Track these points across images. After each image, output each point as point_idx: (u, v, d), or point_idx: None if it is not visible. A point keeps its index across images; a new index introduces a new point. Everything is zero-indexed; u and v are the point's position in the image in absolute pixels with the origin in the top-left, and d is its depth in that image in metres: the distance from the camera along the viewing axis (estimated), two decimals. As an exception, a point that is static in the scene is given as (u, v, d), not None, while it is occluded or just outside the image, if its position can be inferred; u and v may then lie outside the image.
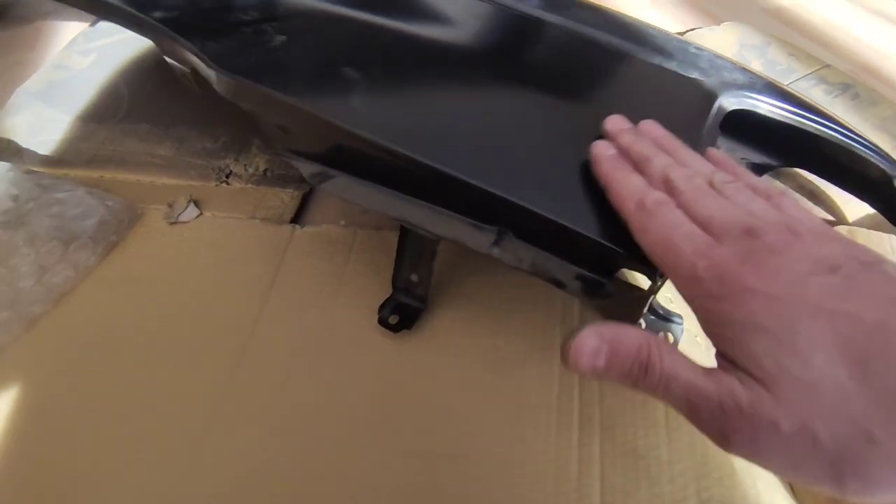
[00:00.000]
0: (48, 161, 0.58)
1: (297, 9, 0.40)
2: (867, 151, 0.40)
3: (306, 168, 0.36)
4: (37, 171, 0.53)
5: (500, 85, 0.37)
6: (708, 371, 0.21)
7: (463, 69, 0.38)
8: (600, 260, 0.30)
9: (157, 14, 0.38)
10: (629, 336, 0.22)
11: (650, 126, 0.32)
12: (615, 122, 0.32)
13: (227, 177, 0.56)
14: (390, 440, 0.37)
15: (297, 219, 0.52)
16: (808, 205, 0.52)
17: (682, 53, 0.42)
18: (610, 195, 0.28)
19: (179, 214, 0.51)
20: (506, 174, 0.31)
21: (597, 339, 0.22)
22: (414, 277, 0.41)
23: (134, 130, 0.61)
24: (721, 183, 0.26)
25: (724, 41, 0.67)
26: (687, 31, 0.74)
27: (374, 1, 0.41)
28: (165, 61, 0.42)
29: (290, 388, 0.39)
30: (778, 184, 0.53)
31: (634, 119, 0.34)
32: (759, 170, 0.50)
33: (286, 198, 0.54)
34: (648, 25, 0.45)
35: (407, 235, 0.39)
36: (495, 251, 0.31)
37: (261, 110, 0.35)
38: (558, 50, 0.41)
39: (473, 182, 0.30)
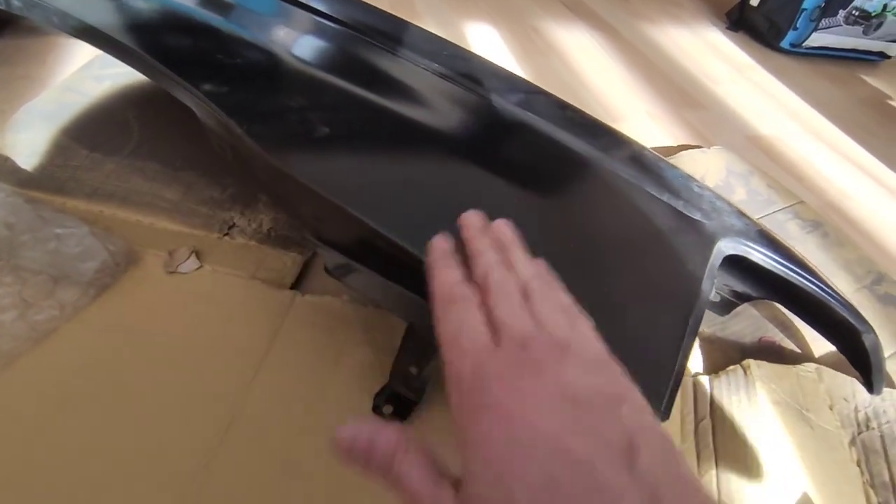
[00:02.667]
0: (45, 186, 0.57)
1: (344, 102, 0.42)
2: (840, 307, 0.44)
3: (332, 258, 0.37)
4: (38, 201, 0.52)
5: (530, 204, 0.40)
6: (439, 479, 0.22)
7: (494, 184, 0.40)
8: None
9: (207, 87, 0.39)
10: (380, 433, 0.23)
11: (500, 225, 0.32)
12: (469, 217, 0.32)
13: (231, 229, 0.56)
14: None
15: (297, 284, 0.53)
16: (779, 336, 0.55)
17: (688, 192, 0.45)
18: (430, 283, 0.28)
19: (179, 265, 0.51)
20: None
21: (353, 430, 0.23)
22: (413, 370, 0.41)
23: (141, 168, 0.61)
24: (532, 290, 0.26)
25: (713, 165, 0.73)
26: (680, 146, 0.80)
27: (418, 103, 0.44)
28: (201, 122, 0.43)
29: (279, 462, 0.39)
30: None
31: (644, 253, 0.36)
32: (741, 297, 0.53)
33: (288, 261, 0.54)
34: (657, 156, 0.49)
35: (414, 329, 0.40)
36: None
37: (295, 199, 0.36)
38: (581, 175, 0.44)
39: None
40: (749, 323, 0.56)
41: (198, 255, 0.52)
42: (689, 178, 0.48)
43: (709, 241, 0.41)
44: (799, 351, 0.54)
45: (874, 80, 1.17)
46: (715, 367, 0.51)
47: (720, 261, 0.41)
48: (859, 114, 1.04)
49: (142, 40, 0.41)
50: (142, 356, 0.44)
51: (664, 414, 0.31)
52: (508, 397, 0.21)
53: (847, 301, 0.44)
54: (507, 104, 0.47)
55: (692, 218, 0.43)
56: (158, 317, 0.47)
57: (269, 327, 0.47)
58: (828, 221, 0.68)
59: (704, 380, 0.49)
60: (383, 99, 0.43)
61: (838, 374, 0.49)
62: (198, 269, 0.51)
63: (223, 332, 0.47)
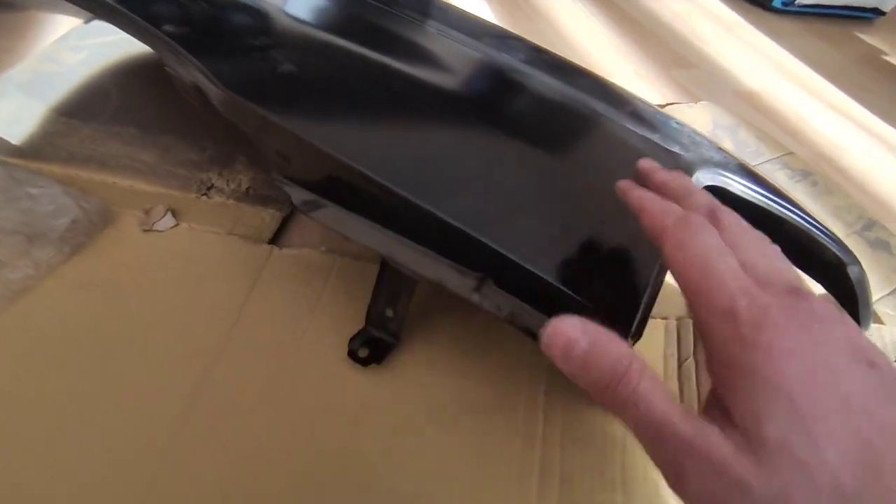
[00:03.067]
0: (22, 153, 0.56)
1: (309, 40, 0.41)
2: (825, 238, 0.43)
3: (298, 195, 0.36)
4: (12, 163, 0.51)
5: (499, 137, 0.39)
6: (686, 408, 0.20)
7: (463, 119, 0.39)
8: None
9: (168, 28, 0.38)
10: (613, 342, 0.21)
11: (679, 174, 0.31)
12: (648, 163, 0.32)
13: (209, 190, 0.56)
14: (352, 475, 0.36)
15: (276, 240, 0.52)
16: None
17: (666, 127, 0.45)
18: (643, 216, 0.26)
19: (155, 222, 0.50)
20: (494, 223, 0.32)
21: (579, 330, 0.21)
22: (389, 312, 0.41)
23: (118, 133, 0.60)
24: (759, 238, 0.25)
25: (699, 118, 0.72)
26: (667, 104, 0.79)
27: (384, 42, 0.43)
28: (166, 70, 0.42)
29: (252, 415, 0.38)
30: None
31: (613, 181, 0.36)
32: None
33: (266, 217, 0.53)
34: (636, 97, 0.48)
35: (386, 270, 0.40)
36: (475, 297, 0.32)
37: (260, 135, 0.36)
38: (556, 112, 0.43)
39: (462, 227, 0.31)
40: (736, 268, 0.55)
41: (174, 213, 0.52)
42: (669, 116, 0.47)
43: (687, 172, 0.40)
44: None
45: (869, 38, 1.15)
46: (700, 311, 0.50)
47: (699, 187, 0.40)
48: (854, 71, 1.03)
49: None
50: (117, 312, 0.44)
51: (632, 339, 0.31)
52: (808, 344, 0.18)
53: (831, 232, 0.43)
54: (474, 43, 0.46)
55: (669, 150, 0.42)
56: (134, 274, 0.47)
57: (246, 281, 0.47)
58: (818, 171, 0.67)
59: (689, 321, 0.48)
60: (347, 39, 0.42)
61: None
62: (174, 226, 0.51)
63: (200, 287, 0.46)
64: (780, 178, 0.66)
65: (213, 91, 0.36)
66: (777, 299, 0.20)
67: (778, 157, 0.68)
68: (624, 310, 0.31)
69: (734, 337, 0.19)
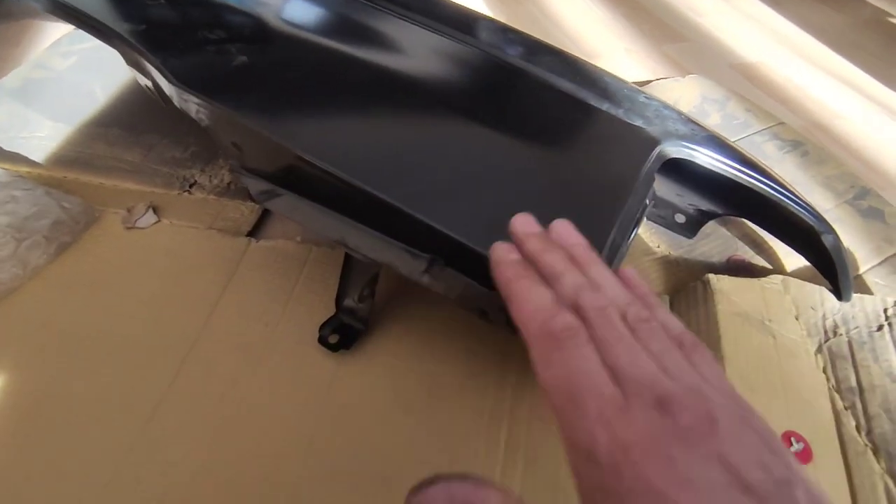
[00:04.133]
0: (12, 158, 0.58)
1: (262, 32, 0.41)
2: (796, 206, 0.42)
3: (254, 185, 0.37)
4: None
5: (445, 118, 0.39)
6: None
7: (411, 101, 0.39)
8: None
9: (125, 26, 0.39)
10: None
11: (563, 230, 0.27)
12: (523, 224, 0.27)
13: (191, 186, 0.57)
14: (323, 457, 0.37)
15: (254, 232, 0.53)
16: (751, 253, 0.54)
17: (631, 101, 0.44)
18: (511, 308, 0.23)
19: (137, 220, 0.51)
20: (439, 203, 0.32)
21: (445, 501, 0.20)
22: (356, 299, 0.41)
23: (104, 134, 0.62)
24: (636, 320, 0.22)
25: (687, 92, 0.71)
26: (655, 79, 0.77)
27: (334, 29, 0.43)
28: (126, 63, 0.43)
29: (227, 400, 0.40)
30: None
31: (572, 161, 0.35)
32: (706, 216, 0.52)
33: (246, 210, 0.54)
34: (605, 73, 0.47)
35: (351, 258, 0.40)
36: (426, 278, 0.32)
37: (215, 127, 0.36)
38: (509, 88, 0.43)
39: (408, 209, 0.31)
40: (719, 243, 0.55)
41: (156, 210, 0.53)
42: (637, 90, 0.46)
43: (648, 145, 0.40)
44: (770, 267, 0.53)
45: (875, 0, 1.11)
46: (680, 287, 0.50)
47: (660, 163, 0.39)
48: (859, 35, 0.99)
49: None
50: (101, 307, 0.45)
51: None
52: (673, 483, 0.17)
53: (804, 200, 0.42)
54: (431, 24, 0.45)
55: (631, 124, 0.41)
56: (117, 271, 0.48)
57: (223, 273, 0.48)
58: (809, 141, 0.65)
59: (665, 298, 0.48)
60: (299, 28, 0.42)
61: (806, 283, 0.47)
62: (156, 223, 0.52)
63: (180, 281, 0.48)
64: (768, 148, 0.64)
65: (168, 86, 0.36)
66: (641, 421, 0.18)
67: (767, 128, 0.66)
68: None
69: (596, 485, 0.18)
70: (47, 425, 0.38)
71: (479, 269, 0.32)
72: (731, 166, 0.41)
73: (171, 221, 0.52)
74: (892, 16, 1.05)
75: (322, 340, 0.42)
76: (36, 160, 0.58)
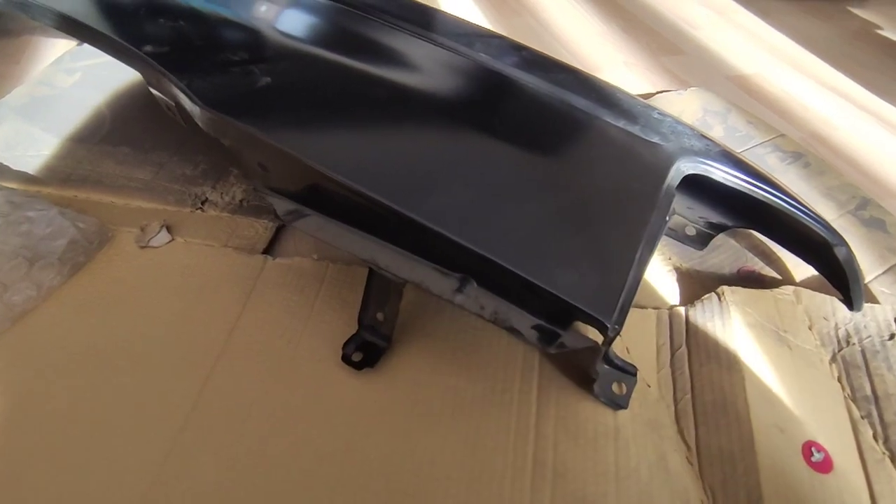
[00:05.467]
0: (21, 177, 0.58)
1: (285, 52, 0.42)
2: (809, 220, 0.43)
3: (281, 205, 0.37)
4: (9, 188, 0.53)
5: (473, 137, 0.40)
6: None
7: (438, 120, 0.40)
8: (556, 312, 0.32)
9: (148, 48, 0.39)
10: None
11: None
12: None
13: (203, 203, 0.57)
14: (349, 476, 0.37)
15: (269, 249, 0.53)
16: (759, 265, 0.55)
17: (646, 118, 0.45)
18: None
19: (151, 239, 0.51)
20: (472, 223, 0.33)
21: None
22: (380, 316, 0.41)
23: (113, 152, 0.61)
24: None
25: (689, 105, 0.72)
26: (657, 92, 0.78)
27: (358, 48, 0.43)
28: (151, 91, 0.43)
29: (250, 420, 0.39)
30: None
31: (595, 177, 0.36)
32: (716, 228, 0.53)
33: (260, 228, 0.54)
34: (618, 89, 0.48)
35: (375, 275, 0.40)
36: (458, 298, 0.33)
37: (241, 147, 0.37)
38: (532, 108, 0.43)
39: (440, 230, 0.32)
40: (729, 255, 0.56)
41: (169, 229, 0.53)
42: (650, 106, 0.47)
43: (667, 161, 0.40)
44: (780, 277, 0.53)
45: (862, 12, 1.14)
46: (693, 299, 0.50)
47: (679, 180, 0.40)
48: (848, 46, 1.02)
49: (82, 9, 0.41)
50: (117, 328, 0.45)
51: (614, 328, 0.31)
52: None
53: (817, 214, 0.43)
54: (452, 44, 0.46)
55: (649, 141, 0.42)
56: (132, 290, 0.48)
57: (241, 292, 0.48)
58: (810, 152, 0.67)
59: (681, 310, 0.48)
60: (324, 49, 0.43)
61: (817, 294, 0.48)
62: (170, 242, 0.52)
63: (197, 299, 0.47)
64: (771, 160, 0.65)
65: (193, 108, 0.36)
66: None
67: (769, 140, 0.68)
68: (603, 301, 0.31)
69: None
70: (67, 446, 0.37)
71: (512, 288, 0.32)
72: (746, 181, 0.42)
73: (186, 240, 0.52)
74: (879, 27, 1.08)
75: (346, 359, 0.42)
76: (45, 179, 0.58)
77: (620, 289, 0.32)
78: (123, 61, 0.41)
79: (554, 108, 0.44)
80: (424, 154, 0.37)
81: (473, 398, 0.41)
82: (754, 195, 0.42)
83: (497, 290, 0.33)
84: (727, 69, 0.90)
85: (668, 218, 0.38)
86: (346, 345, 0.42)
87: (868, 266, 0.55)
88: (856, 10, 1.14)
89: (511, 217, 0.34)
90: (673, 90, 0.78)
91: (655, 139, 0.42)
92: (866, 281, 0.54)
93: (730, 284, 0.52)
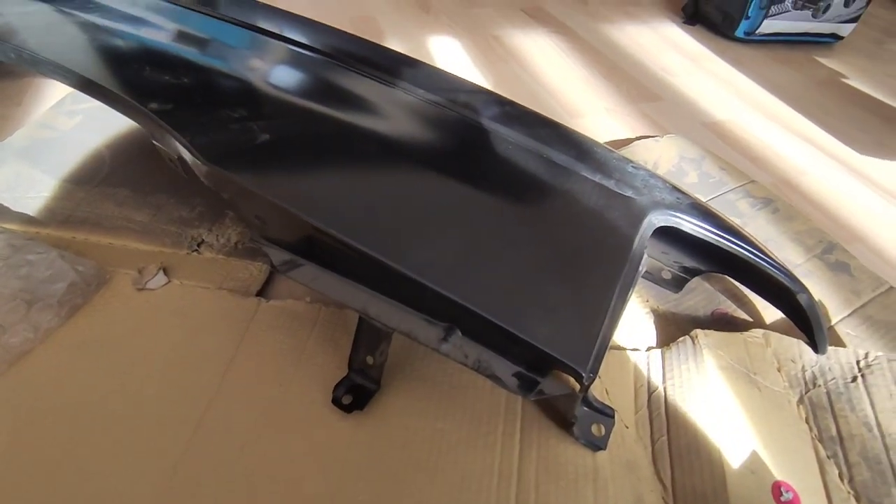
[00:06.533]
0: (21, 218, 0.59)
1: (282, 108, 0.45)
2: (772, 269, 0.46)
3: (277, 256, 0.39)
4: (9, 229, 0.54)
5: (457, 190, 0.42)
6: None
7: (424, 173, 0.43)
8: (535, 360, 0.34)
9: (153, 105, 0.42)
10: None
11: None
12: None
13: (199, 245, 0.59)
14: (335, 520, 0.38)
15: (263, 291, 0.55)
16: (732, 307, 0.57)
17: (621, 172, 0.48)
18: None
19: (148, 281, 0.53)
20: (455, 275, 0.35)
21: None
22: (370, 360, 0.43)
23: (112, 194, 0.63)
24: None
25: (666, 152, 0.76)
26: (636, 138, 0.83)
27: (349, 103, 0.46)
28: (150, 139, 0.45)
29: (243, 461, 0.41)
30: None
31: (571, 230, 0.39)
32: (690, 273, 0.56)
33: (254, 270, 0.56)
34: (596, 144, 0.51)
35: (365, 321, 0.42)
36: (444, 347, 0.35)
37: (239, 200, 0.39)
38: (513, 162, 0.46)
39: (425, 282, 0.34)
40: (703, 297, 0.58)
41: (166, 271, 0.54)
42: (625, 160, 0.50)
43: (639, 215, 0.43)
44: (751, 320, 0.56)
45: (829, 62, 1.21)
46: (669, 340, 0.53)
47: (651, 231, 0.43)
48: (816, 94, 1.07)
49: (91, 67, 0.44)
50: (113, 369, 0.46)
51: (589, 376, 0.33)
52: None
53: (779, 263, 0.46)
54: (439, 99, 0.49)
55: (623, 195, 0.45)
56: (129, 332, 0.49)
57: (235, 334, 0.50)
58: (779, 198, 0.71)
59: (657, 353, 0.51)
60: (319, 104, 0.45)
61: (785, 336, 0.51)
62: (166, 284, 0.53)
63: (191, 341, 0.49)
64: (742, 206, 0.69)
65: (195, 163, 0.39)
66: None
67: (741, 186, 0.72)
68: (579, 350, 0.33)
69: None
70: (63, 487, 0.38)
71: (492, 335, 0.34)
72: (712, 233, 0.45)
73: (182, 282, 0.54)
74: (845, 77, 1.15)
75: (336, 402, 0.43)
76: (44, 220, 0.59)
77: (595, 339, 0.34)
78: (128, 116, 0.43)
79: (534, 162, 0.47)
80: (411, 207, 0.40)
81: (459, 441, 0.43)
82: (720, 245, 0.45)
83: (480, 338, 0.35)
84: (702, 115, 0.95)
85: (641, 269, 0.41)
86: (336, 388, 0.44)
87: (834, 309, 0.58)
88: (822, 60, 1.21)
89: (492, 268, 0.36)
90: (651, 136, 0.82)
91: (629, 193, 0.45)
92: (832, 323, 0.57)
93: (704, 326, 0.54)
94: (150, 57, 0.49)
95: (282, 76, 0.50)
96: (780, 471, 0.42)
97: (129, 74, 0.44)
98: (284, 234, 0.39)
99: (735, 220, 0.51)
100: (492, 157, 0.46)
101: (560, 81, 1.01)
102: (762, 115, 0.98)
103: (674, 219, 0.45)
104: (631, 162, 0.51)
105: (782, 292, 0.47)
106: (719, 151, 0.83)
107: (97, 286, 0.52)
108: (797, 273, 0.56)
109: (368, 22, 1.13)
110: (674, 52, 1.19)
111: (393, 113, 0.49)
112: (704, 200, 0.68)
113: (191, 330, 0.50)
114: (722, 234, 0.45)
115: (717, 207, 0.68)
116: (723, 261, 0.49)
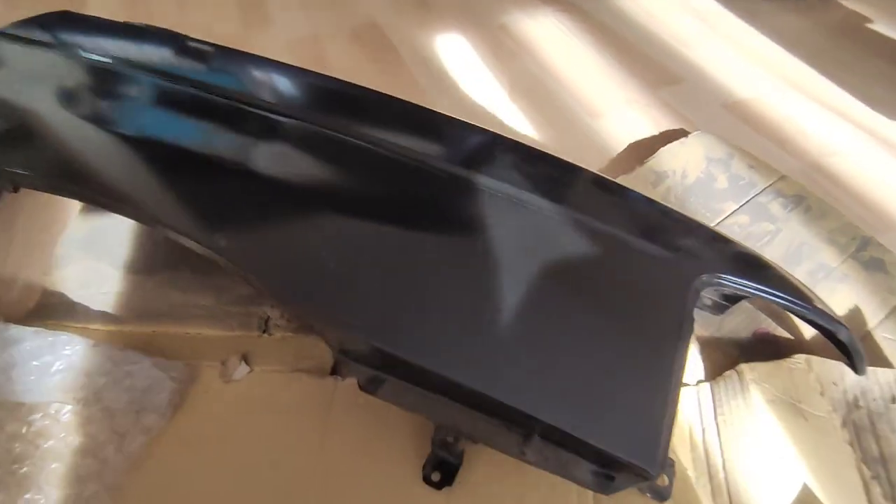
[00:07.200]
0: (102, 317, 0.65)
1: (343, 230, 0.47)
2: (813, 315, 0.48)
3: (362, 375, 0.43)
4: (103, 343, 0.59)
5: (513, 295, 0.44)
6: None
7: (493, 286, 0.44)
8: (607, 460, 0.38)
9: (222, 242, 0.45)
10: None
11: None
12: None
13: (267, 323, 0.63)
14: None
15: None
16: (773, 325, 0.61)
17: (663, 229, 0.50)
18: None
19: (233, 373, 0.58)
20: (524, 386, 0.39)
21: None
22: (450, 438, 0.48)
23: (175, 280, 0.68)
24: None
25: (693, 156, 0.76)
26: (662, 136, 0.83)
27: (413, 210, 0.49)
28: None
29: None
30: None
31: (623, 310, 0.42)
32: (731, 300, 0.58)
33: (324, 346, 0.61)
34: (635, 199, 0.53)
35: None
36: (524, 454, 0.39)
37: (324, 328, 0.43)
38: (561, 244, 0.48)
39: (500, 399, 0.38)
40: (744, 318, 0.61)
41: (246, 359, 0.59)
42: (665, 211, 0.52)
43: (685, 285, 0.46)
44: (792, 337, 0.60)
45: (849, 2, 1.15)
46: (715, 368, 0.57)
47: (697, 297, 0.46)
48: (834, 48, 1.04)
49: (161, 211, 0.47)
50: (222, 463, 0.52)
51: (659, 469, 0.37)
52: None
53: (818, 307, 0.49)
54: (503, 190, 0.51)
55: (668, 262, 0.48)
56: (226, 424, 0.55)
57: (320, 415, 0.55)
58: (810, 193, 0.72)
59: (706, 388, 0.55)
60: (390, 224, 0.48)
61: (826, 360, 0.54)
62: (249, 373, 0.59)
63: (284, 427, 0.54)
64: (774, 208, 0.70)
65: (271, 298, 0.42)
66: None
67: (771, 186, 0.73)
68: (646, 451, 0.37)
69: None
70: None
71: (565, 438, 0.38)
72: (755, 288, 0.48)
73: (262, 368, 0.59)
74: (869, 21, 1.10)
75: (426, 479, 0.49)
76: (123, 317, 0.64)
77: (659, 433, 0.38)
78: (198, 251, 0.47)
79: (579, 237, 0.48)
80: (483, 323, 0.42)
81: (541, 500, 0.48)
82: (765, 297, 0.48)
83: (555, 440, 0.39)
84: (723, 96, 0.94)
85: (690, 337, 0.44)
86: (424, 466, 0.49)
87: (871, 312, 0.61)
88: (842, 1, 1.16)
89: (557, 374, 0.40)
90: (676, 130, 0.82)
91: (674, 257, 0.48)
92: (869, 328, 0.60)
93: (748, 347, 0.58)
94: (202, 178, 0.51)
95: (344, 201, 0.51)
96: (829, 497, 0.47)
97: (193, 214, 0.47)
98: (368, 359, 0.42)
99: (768, 259, 0.53)
100: (542, 245, 0.48)
101: (574, 73, 0.99)
102: (783, 83, 0.96)
103: (717, 281, 0.47)
104: (671, 212, 0.52)
105: (825, 330, 0.50)
106: (745, 138, 0.83)
107: (190, 383, 0.58)
108: (832, 278, 0.59)
109: (373, 30, 1.11)
110: (685, 14, 1.15)
111: (466, 218, 0.49)
112: (736, 207, 0.71)
113: (279, 417, 0.55)
114: (763, 287, 0.48)
115: (750, 215, 0.69)
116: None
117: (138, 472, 0.52)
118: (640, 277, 0.46)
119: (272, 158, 0.52)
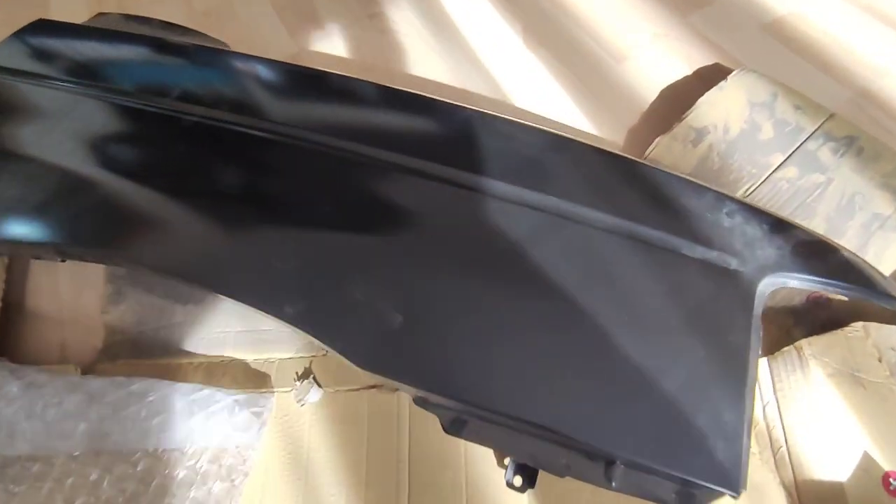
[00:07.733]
0: (168, 349, 0.67)
1: (407, 282, 0.47)
2: (876, 297, 0.48)
3: (445, 417, 0.46)
4: (189, 383, 0.62)
5: (581, 333, 0.45)
6: None
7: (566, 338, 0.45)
8: (690, 484, 0.41)
9: (288, 310, 0.46)
10: None
11: None
12: None
13: (327, 339, 0.65)
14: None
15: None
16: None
17: (719, 231, 0.49)
18: None
19: (307, 396, 0.61)
20: (605, 424, 0.41)
21: None
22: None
23: (233, 308, 0.69)
24: None
25: (734, 104, 0.72)
26: (698, 80, 0.78)
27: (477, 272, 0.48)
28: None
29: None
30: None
31: (691, 337, 0.43)
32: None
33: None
34: (688, 192, 0.51)
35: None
36: (611, 484, 0.42)
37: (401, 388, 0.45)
38: (622, 264, 0.48)
39: (583, 441, 0.40)
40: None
41: (317, 380, 0.62)
42: (719, 204, 0.51)
43: (750, 290, 0.46)
44: (846, 299, 0.60)
45: None
46: (772, 341, 0.58)
47: (763, 302, 0.46)
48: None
49: (232, 287, 0.47)
50: (322, 482, 0.57)
51: (742, 490, 0.40)
52: None
53: (882, 289, 0.49)
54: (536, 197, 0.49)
55: (730, 270, 0.47)
56: (314, 447, 0.59)
57: (398, 428, 0.59)
58: (861, 133, 0.68)
59: (763, 362, 0.56)
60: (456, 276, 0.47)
61: (883, 326, 0.55)
62: (322, 395, 0.62)
63: (367, 444, 0.58)
64: (824, 155, 0.67)
65: (353, 366, 0.44)
66: None
67: (819, 129, 0.69)
68: (730, 475, 0.40)
69: None
70: None
71: (650, 470, 0.41)
72: (822, 282, 0.47)
73: (334, 389, 0.62)
74: None
75: (509, 485, 0.53)
76: (189, 350, 0.67)
77: (739, 455, 0.40)
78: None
79: (633, 256, 0.48)
80: (548, 362, 0.43)
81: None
82: (828, 287, 0.48)
83: (638, 466, 0.42)
84: (759, 15, 0.86)
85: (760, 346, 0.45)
86: (506, 472, 0.53)
87: (926, 257, 0.60)
88: None
89: (637, 409, 0.42)
90: (713, 84, 0.76)
91: (734, 265, 0.47)
92: (927, 278, 0.59)
93: (802, 313, 0.59)
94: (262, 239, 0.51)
95: (402, 254, 0.50)
96: (889, 461, 0.50)
97: (258, 273, 0.47)
98: (444, 407, 0.44)
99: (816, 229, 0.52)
100: (596, 270, 0.47)
101: (593, 8, 0.91)
102: (826, -9, 0.87)
103: (781, 280, 0.47)
104: (724, 205, 0.51)
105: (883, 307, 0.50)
106: (786, 64, 0.77)
107: (271, 408, 0.61)
108: (888, 227, 0.58)
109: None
110: None
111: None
112: (784, 159, 0.68)
113: (361, 433, 0.59)
114: (829, 280, 0.47)
115: (799, 166, 0.67)
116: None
117: (242, 498, 0.57)
118: (701, 293, 0.46)
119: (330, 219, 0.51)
